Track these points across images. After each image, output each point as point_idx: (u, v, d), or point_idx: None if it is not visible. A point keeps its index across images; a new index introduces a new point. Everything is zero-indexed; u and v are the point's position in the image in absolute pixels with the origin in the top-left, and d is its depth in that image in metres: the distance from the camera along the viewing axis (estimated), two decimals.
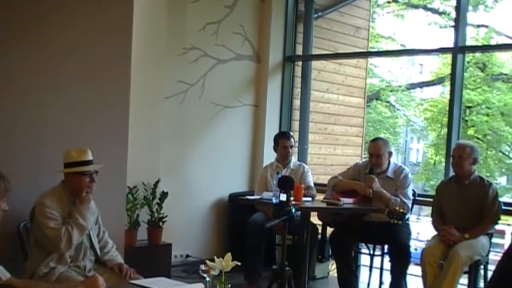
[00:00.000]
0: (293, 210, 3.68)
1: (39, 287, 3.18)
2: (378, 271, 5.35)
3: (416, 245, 8.55)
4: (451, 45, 5.86)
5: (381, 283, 5.29)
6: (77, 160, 3.65)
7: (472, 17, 13.40)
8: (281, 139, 5.73)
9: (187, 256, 6.25)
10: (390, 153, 5.22)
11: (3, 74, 3.90)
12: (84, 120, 4.23)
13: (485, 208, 4.70)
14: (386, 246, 5.17)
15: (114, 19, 4.40)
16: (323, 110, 7.67)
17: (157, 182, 5.62)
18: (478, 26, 13.75)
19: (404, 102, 16.58)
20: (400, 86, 16.29)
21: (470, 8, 11.66)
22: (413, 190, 5.22)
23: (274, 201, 4.63)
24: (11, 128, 3.94)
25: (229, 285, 2.94)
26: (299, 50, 7.07)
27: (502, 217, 4.94)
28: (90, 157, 3.69)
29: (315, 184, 5.73)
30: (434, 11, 14.52)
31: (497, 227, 5.09)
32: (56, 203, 3.59)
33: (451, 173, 5.07)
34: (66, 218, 3.60)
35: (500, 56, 14.05)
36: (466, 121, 13.68)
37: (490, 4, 13.83)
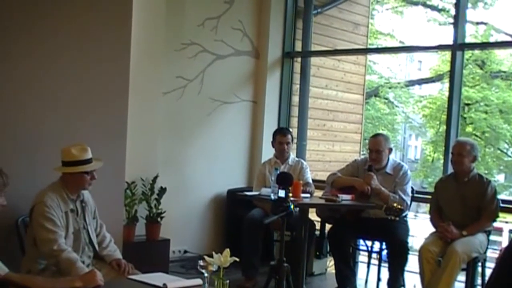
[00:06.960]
0: (292, 206, 3.68)
1: (37, 282, 3.16)
2: (376, 267, 5.36)
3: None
4: (450, 42, 5.87)
5: (378, 279, 5.28)
6: (79, 159, 3.62)
7: (471, 14, 13.41)
8: (278, 135, 5.72)
9: (185, 251, 6.25)
10: (390, 150, 5.21)
11: (1, 69, 3.89)
12: (83, 116, 4.22)
13: (483, 206, 4.70)
14: (384, 243, 5.17)
15: (113, 14, 4.39)
16: (322, 107, 7.66)
17: (156, 177, 5.61)
18: (477, 23, 13.74)
19: (402, 99, 16.57)
20: (398, 83, 16.28)
21: (469, 5, 11.63)
22: (411, 187, 5.22)
23: (272, 197, 4.60)
24: (9, 122, 3.93)
25: (227, 281, 2.94)
26: (298, 46, 7.06)
27: (500, 214, 4.95)
28: (90, 154, 3.68)
29: (314, 181, 5.72)
30: (434, 8, 14.52)
31: (495, 224, 5.10)
32: (56, 201, 3.57)
33: (450, 170, 5.07)
34: (63, 218, 3.59)
35: (499, 54, 14.06)
36: (465, 118, 13.69)
37: (489, 1, 13.84)
